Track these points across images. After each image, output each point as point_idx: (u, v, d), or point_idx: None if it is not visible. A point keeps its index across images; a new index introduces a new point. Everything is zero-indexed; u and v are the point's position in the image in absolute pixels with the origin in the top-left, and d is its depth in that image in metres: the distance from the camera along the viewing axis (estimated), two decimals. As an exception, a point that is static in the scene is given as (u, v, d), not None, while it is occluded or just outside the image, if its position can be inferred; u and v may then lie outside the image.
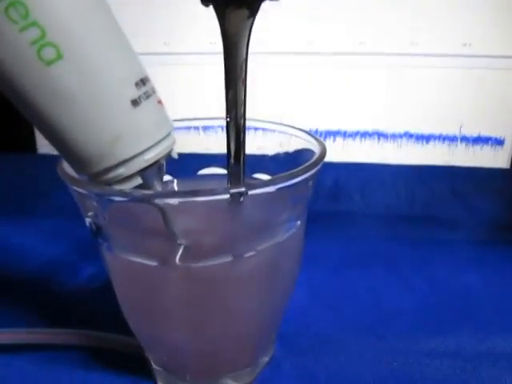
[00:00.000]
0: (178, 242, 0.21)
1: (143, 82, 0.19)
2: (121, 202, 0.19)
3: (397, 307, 0.33)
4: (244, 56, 0.21)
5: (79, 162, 0.19)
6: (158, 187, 0.21)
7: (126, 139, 0.18)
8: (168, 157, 0.21)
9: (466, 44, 0.43)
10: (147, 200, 0.19)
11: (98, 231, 0.22)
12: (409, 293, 0.34)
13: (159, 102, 0.20)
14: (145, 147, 0.19)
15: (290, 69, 0.45)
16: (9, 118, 0.50)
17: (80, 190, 0.20)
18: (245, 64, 0.21)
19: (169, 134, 0.20)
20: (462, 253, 0.40)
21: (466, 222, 0.44)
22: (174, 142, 0.21)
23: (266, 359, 0.27)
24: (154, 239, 0.21)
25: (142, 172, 0.19)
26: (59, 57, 0.16)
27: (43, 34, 0.16)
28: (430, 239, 0.42)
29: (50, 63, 0.16)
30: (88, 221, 0.22)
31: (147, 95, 0.19)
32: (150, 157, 0.19)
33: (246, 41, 0.21)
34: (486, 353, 0.28)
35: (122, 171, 0.19)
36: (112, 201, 0.19)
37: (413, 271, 0.37)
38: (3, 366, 0.27)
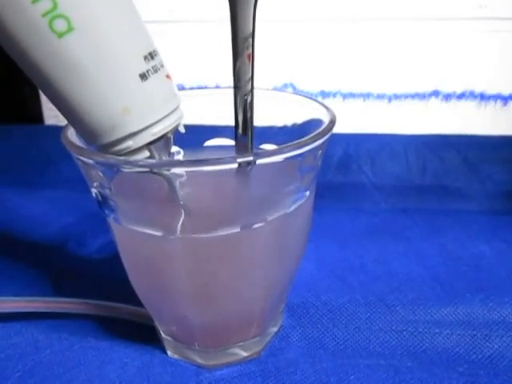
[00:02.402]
0: (183, 211, 0.21)
1: (152, 55, 0.19)
2: (126, 171, 0.19)
3: (407, 277, 0.32)
4: (251, 22, 0.20)
5: (88, 133, 0.19)
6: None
7: (134, 112, 0.18)
8: (175, 131, 0.21)
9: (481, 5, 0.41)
10: (153, 169, 0.19)
11: (103, 201, 0.21)
12: (419, 263, 0.34)
13: (167, 76, 0.20)
14: (152, 121, 0.19)
15: (293, 29, 0.44)
16: (16, 90, 0.50)
17: (85, 160, 0.19)
18: (253, 31, 0.21)
19: (176, 108, 0.20)
20: (474, 223, 0.39)
21: (478, 191, 0.43)
22: (181, 116, 0.21)
23: (274, 329, 0.27)
24: (160, 209, 0.21)
25: (149, 145, 0.20)
26: (70, 29, 0.16)
27: (55, 6, 0.16)
28: (441, 209, 0.42)
29: (61, 35, 0.16)
30: (94, 191, 0.22)
31: (155, 69, 0.19)
32: (158, 130, 0.19)
33: (252, 4, 0.20)
34: (496, 322, 0.28)
35: (130, 144, 0.19)
36: (117, 170, 0.19)
37: (423, 241, 0.37)
38: (15, 333, 0.28)
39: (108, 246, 0.37)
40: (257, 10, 0.21)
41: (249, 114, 0.23)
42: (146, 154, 0.20)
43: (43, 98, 0.50)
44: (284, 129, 0.27)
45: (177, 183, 0.20)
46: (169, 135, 0.20)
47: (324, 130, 0.21)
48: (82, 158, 0.19)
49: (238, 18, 0.20)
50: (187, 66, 0.46)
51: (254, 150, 0.24)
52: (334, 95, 0.45)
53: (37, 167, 0.48)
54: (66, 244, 0.37)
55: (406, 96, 0.45)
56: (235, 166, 0.19)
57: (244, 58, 0.21)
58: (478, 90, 0.44)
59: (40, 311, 0.28)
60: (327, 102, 0.45)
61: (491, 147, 0.43)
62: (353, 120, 0.45)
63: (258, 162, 0.19)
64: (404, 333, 0.28)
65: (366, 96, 0.45)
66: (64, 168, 0.46)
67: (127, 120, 0.18)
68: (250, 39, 0.21)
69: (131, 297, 0.26)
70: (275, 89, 0.46)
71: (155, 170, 0.19)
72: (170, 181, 0.20)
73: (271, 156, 0.20)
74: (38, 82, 0.18)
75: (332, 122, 0.22)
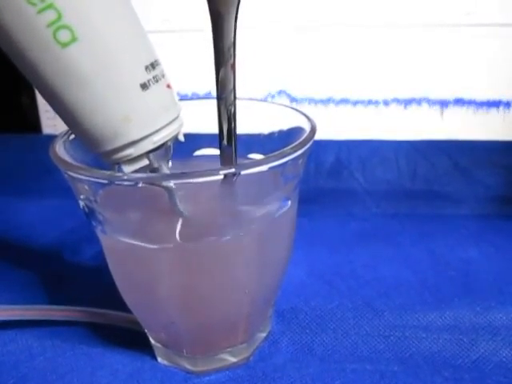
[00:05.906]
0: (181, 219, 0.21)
1: (153, 65, 0.19)
2: (111, 185, 0.20)
3: (395, 282, 0.33)
4: (233, 32, 0.21)
5: (90, 140, 0.19)
6: (165, 168, 0.21)
7: (135, 121, 0.19)
8: (175, 139, 0.21)
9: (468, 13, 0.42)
10: (138, 183, 0.19)
11: (90, 213, 0.22)
12: (408, 268, 0.35)
13: (168, 86, 0.20)
14: (153, 130, 0.19)
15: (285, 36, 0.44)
16: (14, 100, 0.51)
17: (71, 174, 0.20)
18: (234, 41, 0.21)
19: (176, 117, 0.21)
20: (463, 227, 0.40)
21: (468, 196, 0.43)
22: (181, 125, 0.21)
23: (262, 335, 0.28)
24: (148, 221, 0.22)
25: (149, 153, 0.20)
26: (74, 39, 0.17)
27: (59, 17, 0.16)
28: (432, 214, 0.42)
29: (65, 45, 0.17)
30: (81, 203, 0.22)
31: (156, 79, 0.19)
32: (158, 139, 0.20)
33: (234, 16, 0.20)
34: (483, 326, 0.29)
35: (131, 152, 0.19)
36: (104, 184, 0.20)
37: (413, 246, 0.37)
38: (9, 341, 0.28)
39: (101, 253, 0.37)
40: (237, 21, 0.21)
41: (233, 125, 0.23)
42: (146, 161, 0.20)
43: (41, 108, 0.50)
44: (270, 137, 0.28)
45: (178, 194, 0.21)
46: (169, 143, 0.21)
47: (305, 139, 0.22)
48: (69, 172, 0.20)
49: (223, 28, 0.20)
50: (183, 75, 0.47)
51: (240, 160, 0.24)
52: (327, 102, 0.46)
53: (34, 176, 0.48)
54: (61, 251, 0.38)
55: (396, 102, 0.45)
56: (220, 177, 0.19)
57: (227, 68, 0.21)
58: (467, 95, 0.44)
59: (33, 319, 0.28)
60: (320, 108, 0.46)
61: (482, 152, 0.44)
62: (344, 126, 0.45)
63: (242, 172, 0.20)
64: (391, 337, 0.28)
65: (358, 102, 0.45)
66: (61, 176, 0.46)
67: (128, 128, 0.19)
68: (232, 49, 0.21)
69: (124, 304, 0.26)
70: (269, 95, 0.47)
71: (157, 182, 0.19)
72: (170, 192, 0.21)
73: (254, 167, 0.20)
74: (41, 90, 0.18)
75: (312, 132, 0.22)
